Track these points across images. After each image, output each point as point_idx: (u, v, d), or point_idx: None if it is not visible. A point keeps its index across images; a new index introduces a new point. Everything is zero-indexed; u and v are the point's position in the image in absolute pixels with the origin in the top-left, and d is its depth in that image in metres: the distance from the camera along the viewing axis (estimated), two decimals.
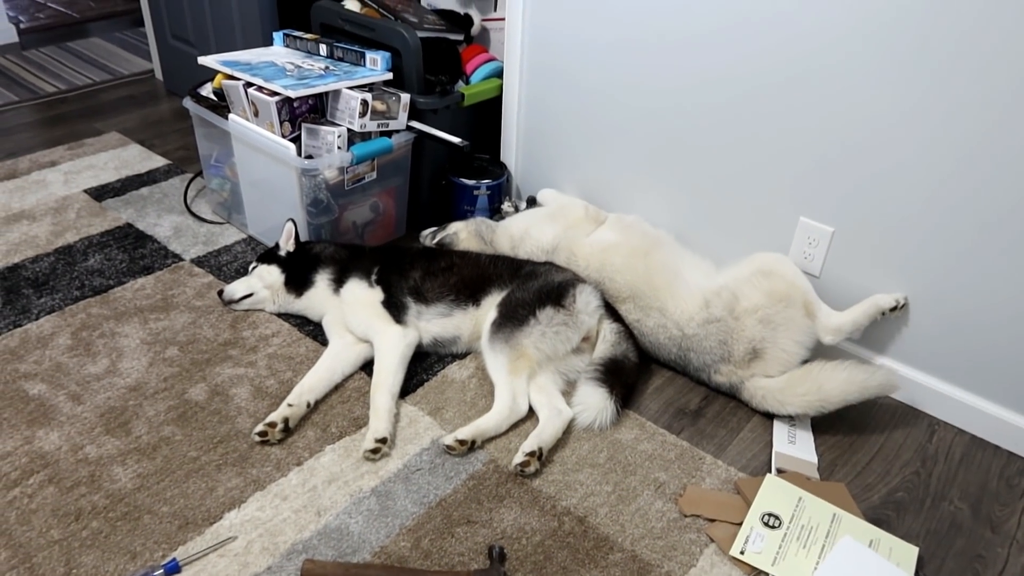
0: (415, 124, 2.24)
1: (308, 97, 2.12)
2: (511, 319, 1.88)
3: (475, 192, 2.41)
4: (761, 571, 1.49)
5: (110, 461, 1.64)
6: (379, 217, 2.38)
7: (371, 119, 2.15)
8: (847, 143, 1.81)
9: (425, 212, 2.49)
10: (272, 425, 1.70)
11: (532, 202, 2.46)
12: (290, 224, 2.09)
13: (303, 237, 2.18)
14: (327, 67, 2.23)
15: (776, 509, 1.59)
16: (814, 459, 1.77)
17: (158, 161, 2.84)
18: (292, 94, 2.03)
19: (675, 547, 1.53)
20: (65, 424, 1.72)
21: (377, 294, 1.96)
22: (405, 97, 2.20)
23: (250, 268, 2.13)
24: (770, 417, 1.88)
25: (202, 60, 2.24)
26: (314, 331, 2.05)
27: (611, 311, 1.99)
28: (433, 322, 1.96)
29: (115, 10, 4.43)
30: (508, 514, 1.58)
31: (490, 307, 1.95)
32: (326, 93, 2.16)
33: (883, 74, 1.70)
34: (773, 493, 1.63)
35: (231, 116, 2.21)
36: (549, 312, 1.88)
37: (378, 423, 1.72)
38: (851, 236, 1.90)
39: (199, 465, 1.64)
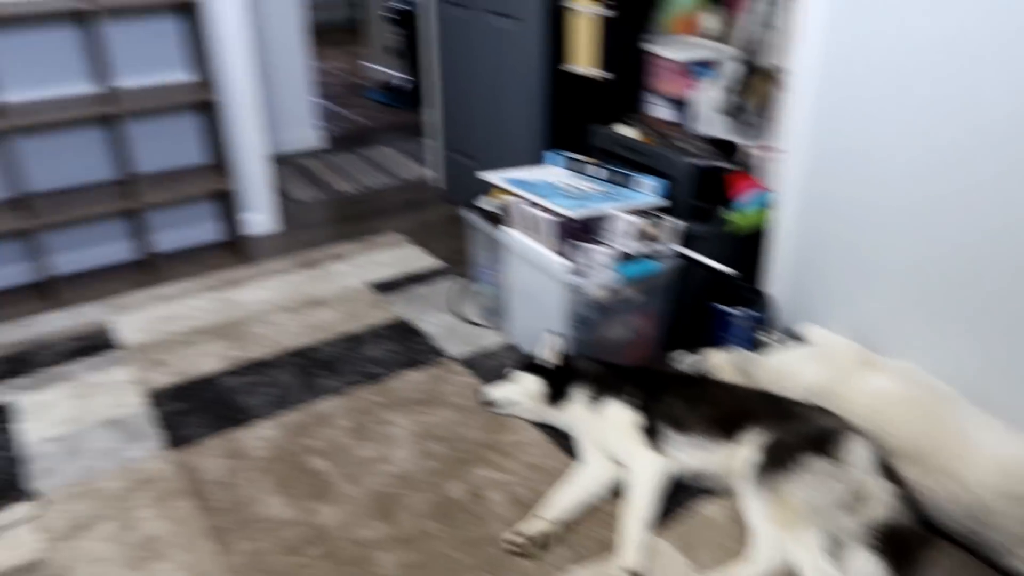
0: (684, 250, 2.27)
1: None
2: (774, 463, 1.78)
3: (735, 321, 2.36)
4: None
5: (377, 546, 1.74)
6: (635, 337, 2.41)
7: (642, 243, 2.20)
8: None
9: (681, 336, 2.48)
10: (529, 538, 1.73)
11: (794, 337, 2.37)
12: (554, 337, 2.17)
13: (564, 350, 2.24)
14: (601, 189, 2.34)
15: None
16: None
17: (432, 262, 3.10)
18: (573, 215, 2.14)
19: None
20: (341, 502, 1.87)
21: (635, 417, 1.96)
22: (676, 223, 2.24)
23: (510, 373, 2.23)
24: None
25: (484, 176, 2.45)
26: (568, 444, 2.08)
27: (887, 468, 1.82)
28: (689, 453, 1.92)
29: (402, 122, 5.00)
30: None
31: (750, 445, 1.87)
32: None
33: None
34: None
35: (507, 229, 2.38)
36: (817, 461, 1.76)
37: (628, 554, 1.68)
38: None
39: (454, 564, 1.70)
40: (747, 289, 2.45)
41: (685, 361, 2.32)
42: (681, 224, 2.26)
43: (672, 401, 1.99)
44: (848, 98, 2.11)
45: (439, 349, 2.51)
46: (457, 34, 3.29)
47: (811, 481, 1.75)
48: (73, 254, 3.00)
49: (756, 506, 1.75)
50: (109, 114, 2.74)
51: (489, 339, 2.58)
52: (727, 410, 1.95)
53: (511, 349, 2.52)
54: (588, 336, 2.29)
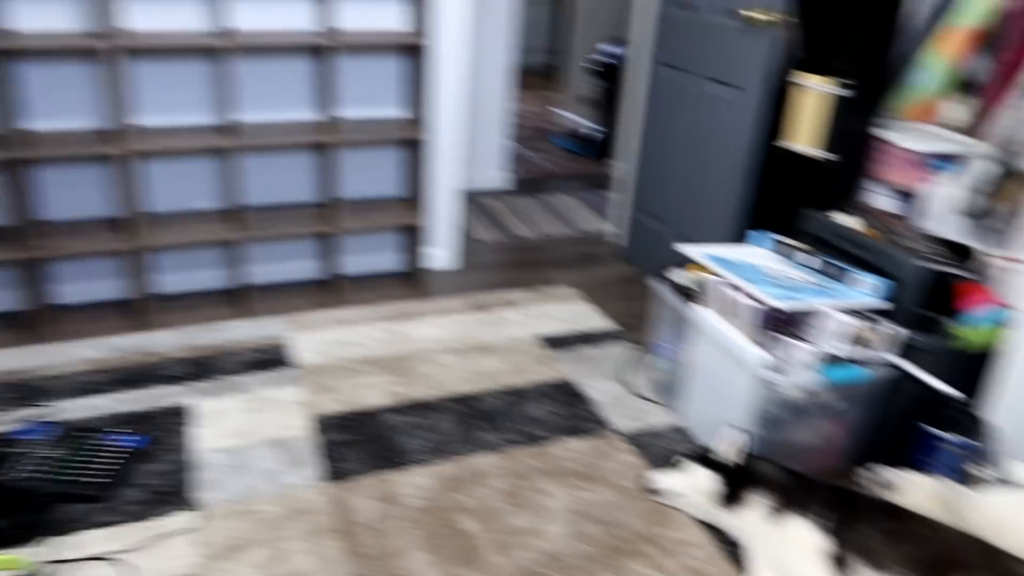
0: (899, 361, 2.02)
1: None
2: None
3: (945, 447, 2.07)
4: None
5: None
6: (826, 446, 2.16)
7: (852, 346, 1.98)
8: None
9: (875, 451, 2.20)
10: None
11: (1015, 478, 2.03)
12: (739, 434, 1.98)
13: (745, 449, 2.05)
14: (812, 280, 2.14)
15: None
16: None
17: (604, 323, 2.99)
18: (783, 306, 1.96)
19: None
20: (487, 572, 1.76)
21: (823, 542, 1.73)
22: (897, 331, 2.00)
23: (681, 462, 2.05)
24: None
25: (684, 249, 2.31)
26: (736, 552, 1.88)
27: None
28: None
29: (585, 171, 4.97)
30: None
31: None
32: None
33: None
34: None
35: (700, 307, 2.22)
36: None
37: None
38: None
39: None
40: (965, 414, 2.14)
41: (880, 478, 2.05)
42: (901, 332, 2.01)
43: (867, 531, 1.74)
44: None
45: (603, 420, 2.38)
46: (668, 93, 3.19)
47: None
48: (267, 266, 3.14)
49: None
50: (325, 142, 2.86)
51: (659, 418, 2.41)
52: (933, 553, 1.68)
53: (682, 433, 2.34)
54: (773, 437, 2.08)
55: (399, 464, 2.10)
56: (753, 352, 2.01)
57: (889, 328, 1.99)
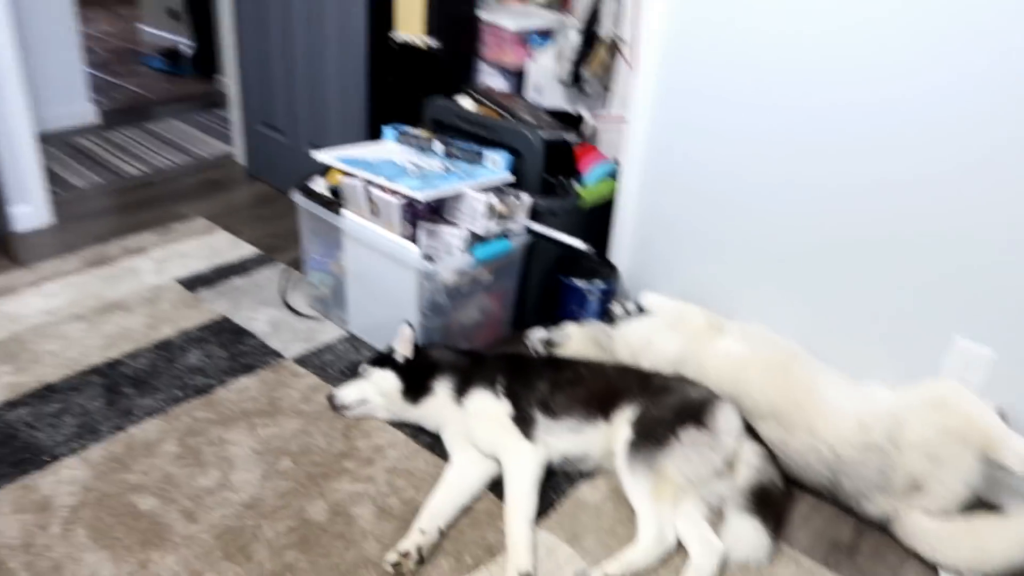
0: (536, 227, 2.17)
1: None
2: (649, 439, 1.75)
3: (587, 295, 2.32)
4: None
5: None
6: (487, 319, 2.29)
7: (493, 221, 2.08)
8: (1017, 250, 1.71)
9: (532, 314, 2.40)
10: (406, 555, 1.57)
11: (643, 308, 2.37)
12: (408, 329, 2.00)
13: (417, 341, 2.08)
14: (445, 166, 2.18)
15: None
16: None
17: (247, 249, 2.78)
18: (421, 197, 1.97)
19: None
20: (181, 546, 1.59)
21: (505, 407, 1.85)
22: (527, 199, 2.14)
23: (361, 371, 2.03)
24: None
25: (317, 155, 2.20)
26: (431, 442, 1.93)
27: (751, 431, 1.86)
28: (562, 438, 1.84)
29: (189, 93, 4.48)
30: None
31: (622, 423, 1.83)
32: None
33: None
34: None
35: (345, 213, 2.15)
36: (692, 433, 1.76)
37: (519, 556, 1.58)
38: (1017, 362, 1.78)
39: None
40: (597, 262, 2.41)
41: (538, 337, 2.24)
42: (532, 199, 2.16)
43: (540, 386, 1.90)
44: (691, 69, 2.10)
45: (272, 349, 2.24)
46: None
47: (687, 453, 1.74)
48: None
49: (635, 485, 1.71)
50: None
51: (326, 333, 2.34)
52: (596, 390, 1.90)
53: (352, 343, 2.31)
54: (439, 323, 2.14)
55: (42, 463, 1.77)
56: (405, 246, 2.02)
57: (521, 198, 2.12)
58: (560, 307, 2.38)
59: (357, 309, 2.29)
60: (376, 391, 1.98)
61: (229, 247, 2.79)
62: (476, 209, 2.05)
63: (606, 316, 2.38)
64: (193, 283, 2.54)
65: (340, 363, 2.21)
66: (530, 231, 2.19)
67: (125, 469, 1.77)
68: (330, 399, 2.00)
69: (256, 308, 2.43)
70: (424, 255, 2.02)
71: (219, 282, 2.56)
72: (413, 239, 2.08)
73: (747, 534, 1.66)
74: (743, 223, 2.14)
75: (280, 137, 3.15)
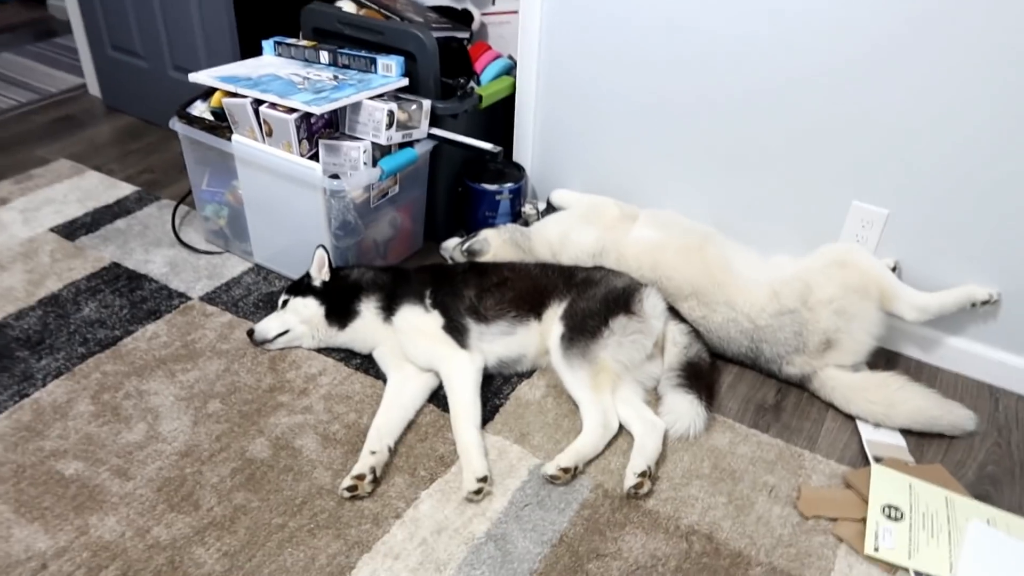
0: (440, 132, 2.10)
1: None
2: (582, 332, 1.79)
3: (497, 197, 2.29)
4: (899, 567, 1.47)
5: (187, 542, 1.45)
6: (398, 233, 2.23)
7: (395, 130, 1.99)
8: (908, 126, 1.80)
9: (442, 223, 2.35)
10: (360, 477, 1.55)
11: (552, 204, 2.37)
12: (321, 251, 1.92)
13: (333, 263, 2.00)
14: (335, 76, 2.05)
15: (894, 500, 1.58)
16: (903, 442, 1.77)
17: (124, 188, 2.56)
18: (317, 110, 1.85)
19: (808, 553, 1.50)
20: (120, 505, 1.51)
21: (436, 319, 1.83)
22: (427, 104, 2.05)
23: (279, 302, 1.95)
24: None
25: (195, 77, 2.02)
26: (362, 364, 1.90)
27: (673, 311, 1.93)
28: (496, 342, 1.85)
29: (15, 22, 3.99)
30: (634, 541, 1.50)
31: (552, 320, 1.85)
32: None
33: (945, 54, 1.70)
34: (884, 484, 1.62)
35: (235, 137, 2.00)
36: (622, 320, 1.80)
37: (473, 461, 1.60)
38: (906, 219, 1.91)
39: (289, 533, 1.48)
40: (504, 163, 2.37)
41: (455, 246, 2.21)
42: (430, 103, 2.07)
43: (467, 294, 1.89)
44: None
45: (174, 290, 2.11)
46: None
47: (620, 341, 1.79)
48: None
49: (574, 378, 1.75)
50: None
51: (231, 268, 2.22)
52: (524, 291, 1.90)
53: (260, 274, 2.20)
54: (352, 242, 2.07)
55: None
56: (306, 166, 1.91)
57: (420, 103, 2.04)
58: (471, 213, 2.34)
59: (260, 238, 2.17)
60: (298, 320, 1.90)
61: (103, 188, 2.56)
62: (377, 119, 1.96)
63: (519, 218, 2.37)
64: (71, 230, 2.33)
65: (252, 297, 2.11)
66: (434, 137, 2.11)
67: (39, 436, 1.65)
68: (250, 335, 1.91)
69: (148, 250, 2.27)
70: (327, 173, 1.92)
71: (100, 226, 2.36)
72: (314, 158, 1.97)
73: (684, 408, 1.74)
74: (646, 112, 2.14)
75: (139, 62, 2.87)
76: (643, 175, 2.24)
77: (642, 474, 1.59)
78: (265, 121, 1.93)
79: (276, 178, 1.99)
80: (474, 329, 1.83)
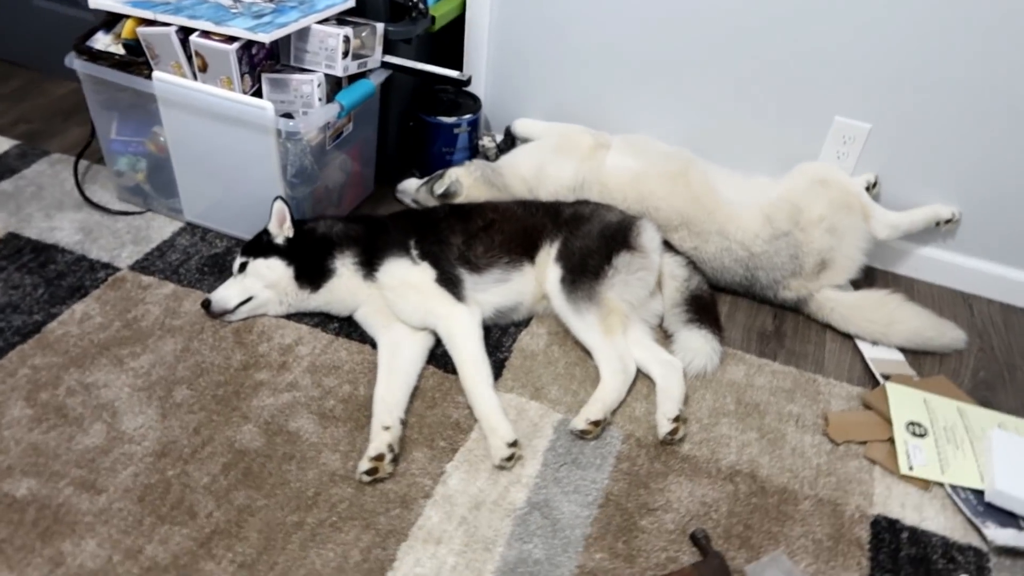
0: (396, 60, 1.86)
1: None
2: (583, 272, 1.66)
3: (456, 131, 2.09)
4: (935, 483, 1.48)
5: (192, 558, 1.24)
6: (349, 177, 1.99)
7: (349, 59, 1.74)
8: (892, 38, 1.76)
9: (392, 162, 2.13)
10: (379, 458, 1.38)
11: (509, 133, 2.19)
12: (281, 204, 1.67)
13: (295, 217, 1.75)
14: None
15: (914, 417, 1.59)
16: (902, 357, 1.79)
17: (4, 143, 2.15)
18: (265, 38, 1.57)
19: (848, 479, 1.48)
20: (96, 524, 1.27)
21: (426, 271, 1.64)
22: (380, 28, 1.80)
23: (236, 266, 1.69)
24: None
25: (97, 3, 1.67)
26: (342, 328, 1.69)
27: (665, 243, 1.83)
28: (492, 291, 1.69)
29: None
30: (680, 490, 1.43)
31: (547, 262, 1.72)
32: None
33: None
34: (902, 401, 1.62)
35: (157, 75, 1.69)
36: (625, 257, 1.69)
37: (498, 426, 1.45)
38: (887, 134, 1.88)
39: (310, 530, 1.30)
40: (454, 92, 2.16)
41: (416, 189, 2.01)
42: (383, 27, 1.82)
43: (454, 240, 1.71)
44: None
45: (96, 261, 1.79)
46: None
47: (625, 279, 1.68)
48: None
49: (583, 323, 1.64)
50: None
51: (158, 229, 1.92)
52: (513, 233, 1.74)
53: (195, 233, 1.91)
54: (307, 191, 1.82)
55: None
56: (255, 105, 1.63)
57: (372, 26, 1.78)
58: (425, 150, 2.13)
59: (192, 193, 1.88)
60: (262, 285, 1.66)
61: None
62: (331, 47, 1.70)
63: (476, 152, 2.18)
64: None
65: (192, 261, 1.82)
66: (389, 66, 1.87)
67: None
68: (206, 306, 1.65)
69: (50, 215, 1.91)
70: (277, 111, 1.65)
71: None
72: (259, 94, 1.70)
73: (698, 344, 1.67)
74: (615, 32, 1.99)
75: None
76: (613, 99, 2.10)
77: (676, 419, 1.51)
78: (197, 53, 1.63)
79: (214, 121, 1.70)
80: (468, 279, 1.67)
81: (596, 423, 1.49)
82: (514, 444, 1.43)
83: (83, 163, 2.06)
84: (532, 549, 1.30)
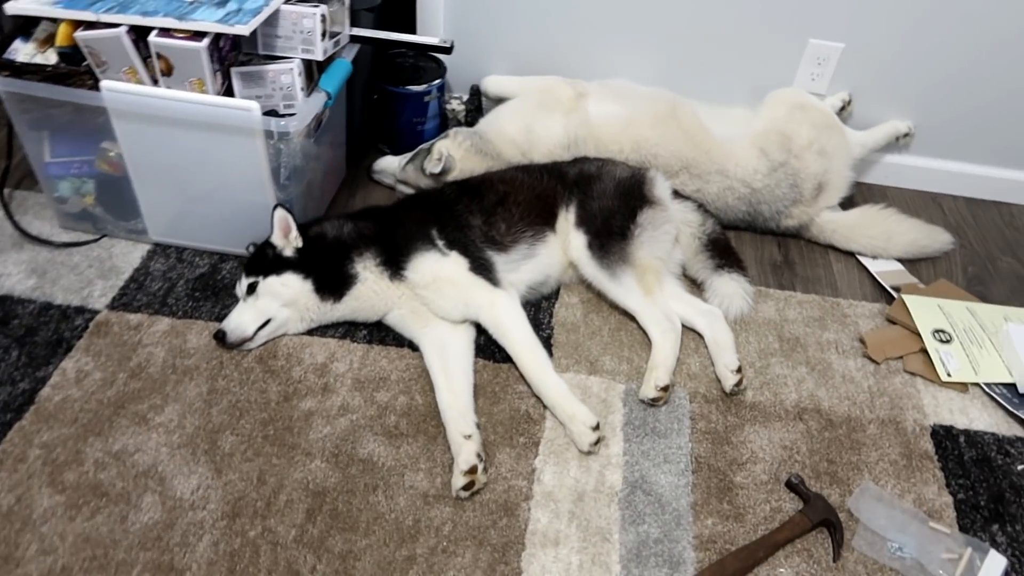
0: (365, 32, 1.69)
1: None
2: (610, 234, 1.62)
3: (426, 99, 1.95)
4: (971, 384, 1.58)
5: None
6: (326, 165, 1.83)
7: (325, 41, 1.56)
8: None
9: (359, 141, 1.97)
10: (472, 471, 1.31)
11: (476, 92, 2.07)
12: (283, 212, 1.50)
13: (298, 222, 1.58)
14: None
15: (936, 324, 1.68)
16: (901, 267, 1.88)
17: None
18: (244, 30, 1.37)
19: (899, 396, 1.55)
20: None
21: (457, 261, 1.54)
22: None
23: (243, 288, 1.52)
24: None
25: (12, 7, 1.40)
26: (371, 334, 1.57)
27: (674, 191, 1.81)
28: (521, 269, 1.62)
29: None
30: (759, 439, 1.45)
31: (568, 228, 1.66)
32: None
33: None
34: (921, 311, 1.71)
35: (106, 84, 1.45)
36: (648, 213, 1.66)
37: (577, 412, 1.41)
38: (858, 54, 1.92)
39: (425, 562, 1.23)
40: (413, 57, 2.00)
41: (400, 168, 1.88)
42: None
43: (473, 222, 1.61)
44: None
45: (65, 307, 1.57)
46: None
47: (652, 235, 1.66)
48: None
49: (621, 286, 1.60)
50: None
51: (122, 256, 1.69)
52: (527, 204, 1.67)
53: (168, 255, 1.71)
54: (298, 190, 1.65)
55: None
56: (236, 106, 1.44)
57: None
58: (393, 122, 1.98)
59: (155, 209, 1.66)
60: (279, 304, 1.51)
61: None
62: (307, 28, 1.51)
63: (449, 119, 2.05)
64: None
65: (178, 287, 1.63)
66: (359, 39, 1.70)
67: (8, 564, 1.18)
68: (220, 338, 1.48)
69: None
70: (261, 108, 1.47)
71: None
72: (228, 93, 1.50)
73: (732, 289, 1.68)
74: None
75: None
76: (581, 44, 2.01)
77: (738, 370, 1.52)
78: (159, 55, 1.41)
79: (185, 130, 1.49)
80: (498, 261, 1.58)
81: (665, 388, 1.48)
82: (597, 427, 1.39)
83: (6, 193, 1.78)
84: (648, 529, 1.29)
